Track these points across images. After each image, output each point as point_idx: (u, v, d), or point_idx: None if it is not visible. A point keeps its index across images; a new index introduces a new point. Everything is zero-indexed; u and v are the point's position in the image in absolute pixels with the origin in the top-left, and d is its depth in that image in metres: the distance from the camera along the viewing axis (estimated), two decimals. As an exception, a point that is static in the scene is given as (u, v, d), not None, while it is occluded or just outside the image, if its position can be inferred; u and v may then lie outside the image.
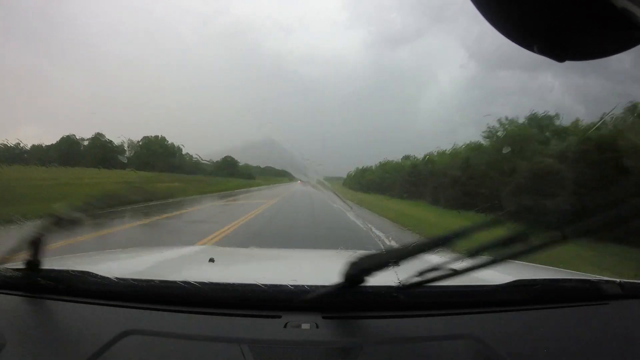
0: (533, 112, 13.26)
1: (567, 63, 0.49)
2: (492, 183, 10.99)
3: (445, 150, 15.53)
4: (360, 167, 25.45)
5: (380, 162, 23.47)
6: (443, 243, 0.82)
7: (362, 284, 0.88)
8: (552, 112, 13.00)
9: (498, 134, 14.40)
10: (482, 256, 0.78)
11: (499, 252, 0.76)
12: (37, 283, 0.92)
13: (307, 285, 0.88)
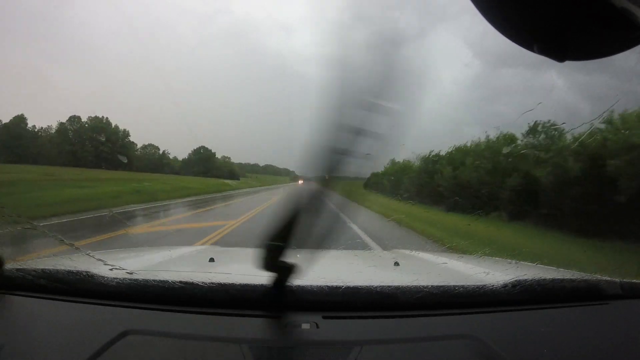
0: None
1: (570, 62, 0.49)
2: None
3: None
4: (423, 155, 13.34)
5: (474, 142, 12.30)
6: None
7: (365, 285, 0.87)
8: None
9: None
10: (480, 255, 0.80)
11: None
12: (37, 283, 0.92)
13: (308, 286, 0.88)
